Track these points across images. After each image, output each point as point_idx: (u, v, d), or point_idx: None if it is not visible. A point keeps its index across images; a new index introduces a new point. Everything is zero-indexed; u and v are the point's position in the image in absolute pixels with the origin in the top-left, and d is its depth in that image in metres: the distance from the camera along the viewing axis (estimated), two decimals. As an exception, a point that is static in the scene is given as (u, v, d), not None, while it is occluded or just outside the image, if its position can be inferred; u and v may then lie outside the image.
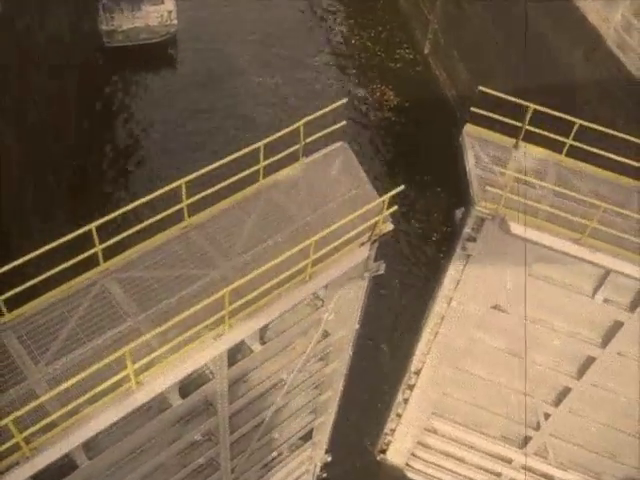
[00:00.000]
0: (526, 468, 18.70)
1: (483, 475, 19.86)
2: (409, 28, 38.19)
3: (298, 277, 11.83)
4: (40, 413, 9.87)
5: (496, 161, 14.00)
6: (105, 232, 11.36)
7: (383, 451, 20.49)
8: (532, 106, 13.67)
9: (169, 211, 11.95)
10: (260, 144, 12.52)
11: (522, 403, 16.70)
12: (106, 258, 11.68)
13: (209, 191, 12.20)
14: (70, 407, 9.89)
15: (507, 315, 14.95)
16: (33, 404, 9.51)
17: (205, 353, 11.17)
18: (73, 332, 10.99)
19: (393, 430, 19.30)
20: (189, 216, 12.41)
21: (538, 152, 14.46)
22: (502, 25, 29.13)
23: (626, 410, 16.11)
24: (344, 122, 13.57)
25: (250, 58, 35.55)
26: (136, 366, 10.25)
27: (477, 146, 14.22)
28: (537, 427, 17.47)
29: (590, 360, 15.37)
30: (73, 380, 9.68)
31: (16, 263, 10.56)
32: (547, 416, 17.04)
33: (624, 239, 12.85)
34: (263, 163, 12.86)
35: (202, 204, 12.36)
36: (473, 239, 13.58)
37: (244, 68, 34.89)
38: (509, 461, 19.02)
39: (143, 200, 11.37)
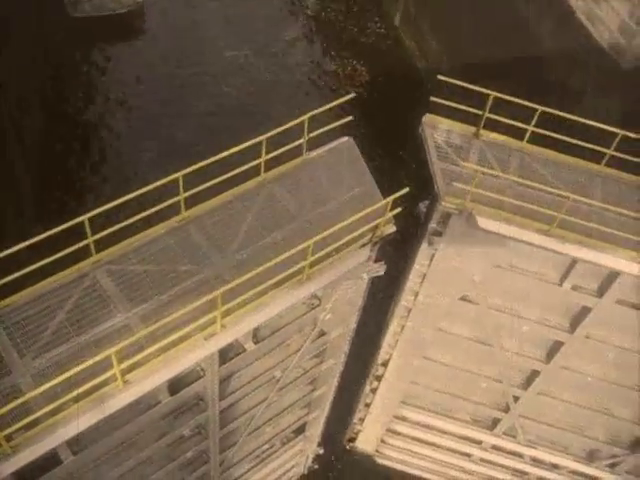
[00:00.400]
0: (495, 448, 18.96)
1: (453, 457, 19.91)
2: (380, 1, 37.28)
3: (295, 278, 11.52)
4: (23, 410, 9.62)
5: (458, 151, 13.60)
6: (98, 224, 11.03)
7: (352, 439, 20.38)
8: (493, 94, 13.25)
9: (166, 203, 11.62)
10: (262, 138, 12.11)
11: (491, 388, 16.97)
12: (99, 251, 11.36)
13: (207, 184, 11.85)
14: (54, 405, 9.67)
15: (475, 305, 14.78)
16: (16, 402, 9.27)
17: (196, 353, 10.90)
18: (61, 325, 10.71)
19: (362, 419, 19.24)
20: (186, 209, 12.07)
21: (500, 139, 14.11)
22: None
23: (592, 388, 16.26)
24: (350, 117, 13.13)
25: (219, 31, 34.36)
26: (123, 365, 10.00)
27: (437, 136, 13.81)
28: (506, 409, 17.48)
29: (558, 344, 15.33)
30: (58, 379, 9.43)
31: (5, 253, 10.26)
32: (516, 399, 17.06)
33: (591, 227, 12.75)
34: (265, 157, 12.47)
35: (200, 198, 12.02)
36: (439, 233, 13.24)
37: (213, 41, 33.76)
38: (479, 442, 19.09)
39: (139, 192, 11.04)
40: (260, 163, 12.51)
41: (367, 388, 17.36)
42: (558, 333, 15.05)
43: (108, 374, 9.92)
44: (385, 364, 16.80)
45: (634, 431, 17.14)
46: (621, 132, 13.54)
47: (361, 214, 11.61)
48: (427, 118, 13.98)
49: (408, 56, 34.25)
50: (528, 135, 13.84)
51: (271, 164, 12.73)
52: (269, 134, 12.17)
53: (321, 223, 12.16)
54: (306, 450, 18.83)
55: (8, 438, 9.52)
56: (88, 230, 10.92)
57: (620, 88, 21.05)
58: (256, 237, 12.05)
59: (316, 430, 18.19)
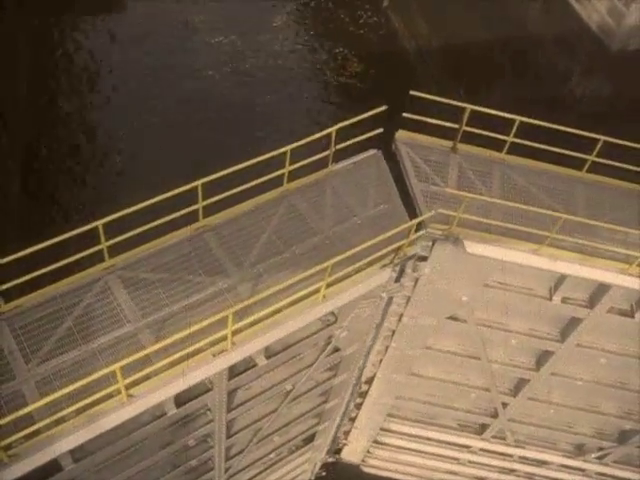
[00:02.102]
0: (484, 450, 18.78)
1: (441, 462, 19.62)
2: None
3: (311, 297, 11.15)
4: (24, 419, 9.42)
5: (437, 169, 13.02)
6: (112, 231, 10.76)
7: (338, 451, 20.03)
8: (469, 107, 12.65)
9: (184, 211, 11.33)
10: (287, 149, 11.74)
11: (480, 397, 16.74)
12: (112, 257, 11.11)
13: (227, 193, 11.53)
14: (56, 416, 9.46)
15: (463, 323, 14.33)
16: (17, 414, 9.06)
17: (204, 369, 10.61)
18: (69, 332, 10.50)
19: (347, 433, 18.90)
20: (204, 217, 11.75)
21: (478, 152, 13.59)
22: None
23: (581, 389, 16.10)
24: (381, 129, 12.66)
25: (205, 18, 33.10)
26: (128, 380, 9.75)
27: (413, 154, 13.17)
28: (495, 415, 17.22)
29: (549, 354, 15.02)
30: (61, 392, 9.21)
31: (17, 255, 10.04)
32: (505, 405, 16.79)
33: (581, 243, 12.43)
34: (289, 168, 12.09)
35: (217, 209, 11.71)
36: (424, 258, 12.62)
37: (198, 27, 32.61)
38: (467, 447, 18.83)
39: (157, 199, 10.74)
40: (283, 174, 12.15)
41: (351, 404, 16.99)
42: (548, 343, 14.79)
43: (112, 388, 9.68)
44: (369, 382, 16.37)
45: (621, 425, 17.25)
46: (602, 138, 13.06)
47: (384, 236, 11.17)
48: (400, 134, 13.37)
49: (398, 38, 33.10)
50: (507, 146, 13.35)
51: (295, 175, 12.39)
52: (294, 145, 11.79)
53: (342, 240, 11.80)
54: (314, 458, 18.56)
55: (7, 447, 9.33)
56: (102, 235, 10.68)
57: (608, 69, 21.12)
58: (274, 251, 11.71)
59: (326, 439, 17.89)
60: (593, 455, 18.31)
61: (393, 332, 14.46)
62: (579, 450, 18.49)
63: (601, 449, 18.08)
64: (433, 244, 12.21)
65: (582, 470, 19.01)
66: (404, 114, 12.65)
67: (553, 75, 22.58)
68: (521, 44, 24.25)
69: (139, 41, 30.92)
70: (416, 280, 12.94)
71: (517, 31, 24.71)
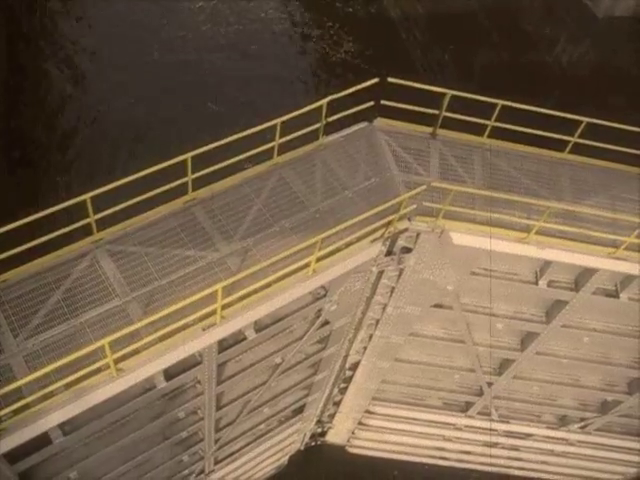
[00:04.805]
0: (468, 427, 19.05)
1: (427, 440, 19.89)
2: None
3: (300, 272, 11.11)
4: (13, 393, 9.39)
5: (418, 157, 12.82)
6: (101, 204, 10.64)
7: (322, 434, 20.21)
8: (449, 92, 12.41)
9: (172, 184, 11.19)
10: (277, 121, 11.59)
11: (464, 377, 16.92)
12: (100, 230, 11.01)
13: (216, 167, 11.40)
14: (46, 390, 9.44)
15: (449, 309, 14.37)
16: (6, 388, 9.03)
17: (193, 343, 10.60)
18: (58, 305, 10.43)
19: (332, 416, 19.04)
20: (193, 190, 11.63)
21: (458, 137, 13.40)
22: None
23: (565, 366, 16.36)
24: (371, 102, 12.51)
25: None
26: (117, 355, 9.72)
27: (393, 142, 12.98)
28: (480, 393, 17.44)
29: (534, 335, 15.15)
30: (50, 367, 9.18)
31: (3, 229, 9.91)
32: (490, 384, 16.98)
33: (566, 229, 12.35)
34: (279, 140, 11.96)
35: (208, 181, 11.58)
36: (408, 250, 12.46)
37: None
38: (452, 424, 19.09)
39: (144, 172, 10.59)
40: (274, 146, 12.02)
41: (335, 390, 17.07)
42: (533, 326, 14.90)
43: (101, 362, 9.66)
44: (353, 368, 16.42)
45: (603, 396, 17.62)
46: (585, 120, 12.86)
47: (374, 211, 11.11)
48: (379, 122, 13.16)
49: (383, 5, 32.26)
50: (488, 130, 13.16)
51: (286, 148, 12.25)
52: (284, 117, 11.64)
53: (332, 214, 11.71)
54: (304, 428, 18.69)
55: (-4, 421, 9.33)
56: (90, 209, 10.56)
57: (594, 36, 21.21)
58: (264, 223, 11.63)
59: (315, 410, 18.00)
60: (576, 425, 18.70)
61: (377, 321, 14.45)
62: (562, 421, 18.85)
63: (583, 419, 18.48)
64: (418, 236, 12.08)
65: (565, 440, 19.41)
66: (382, 101, 12.40)
67: (539, 41, 22.41)
68: (508, 10, 24.04)
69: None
70: (401, 271, 12.86)
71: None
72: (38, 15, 29.03)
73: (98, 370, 9.82)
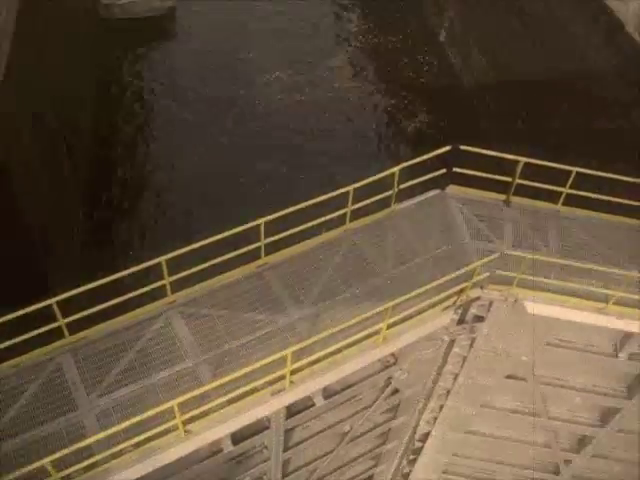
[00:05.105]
0: None
1: None
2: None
3: (371, 339, 11.02)
4: (84, 450, 9.53)
5: (490, 224, 12.68)
6: (174, 267, 10.92)
7: None
8: (522, 159, 12.23)
9: (245, 249, 11.41)
10: (350, 188, 11.73)
11: (539, 454, 16.00)
12: (174, 292, 11.26)
13: (288, 232, 11.58)
14: (115, 449, 9.55)
15: (523, 381, 13.79)
16: (77, 445, 9.16)
17: (262, 408, 10.57)
18: (130, 365, 10.63)
19: None
20: (266, 255, 11.81)
21: (532, 205, 13.16)
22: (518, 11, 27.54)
23: None
24: (444, 170, 12.55)
25: (261, 51, 32.58)
26: (187, 416, 9.78)
27: (465, 209, 12.89)
28: (557, 472, 16.45)
29: (615, 410, 14.27)
30: (120, 426, 9.29)
31: (82, 289, 10.26)
32: (568, 462, 16.04)
33: None
34: (352, 207, 12.08)
35: (281, 246, 11.77)
36: (481, 319, 12.17)
37: (253, 61, 32.05)
38: None
39: (217, 237, 10.86)
40: (346, 213, 12.14)
41: (404, 461, 16.57)
42: (615, 400, 14.10)
43: (170, 423, 9.72)
44: (423, 439, 15.93)
45: None
46: None
47: (446, 278, 11.00)
48: (451, 189, 13.16)
49: (455, 74, 32.33)
50: (563, 197, 12.93)
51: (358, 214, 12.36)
52: (357, 184, 11.77)
53: (403, 281, 11.65)
54: (370, 500, 18.19)
55: (67, 478, 9.44)
56: (165, 270, 10.83)
57: None
58: (335, 289, 11.65)
59: (383, 482, 17.54)
60: None
61: (448, 391, 14.12)
62: None
63: None
64: (490, 305, 11.89)
65: None
66: (454, 169, 12.48)
67: (614, 107, 22.14)
68: (582, 78, 23.82)
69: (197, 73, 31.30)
70: (472, 340, 12.62)
71: (579, 66, 24.33)
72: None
73: (167, 431, 9.88)
